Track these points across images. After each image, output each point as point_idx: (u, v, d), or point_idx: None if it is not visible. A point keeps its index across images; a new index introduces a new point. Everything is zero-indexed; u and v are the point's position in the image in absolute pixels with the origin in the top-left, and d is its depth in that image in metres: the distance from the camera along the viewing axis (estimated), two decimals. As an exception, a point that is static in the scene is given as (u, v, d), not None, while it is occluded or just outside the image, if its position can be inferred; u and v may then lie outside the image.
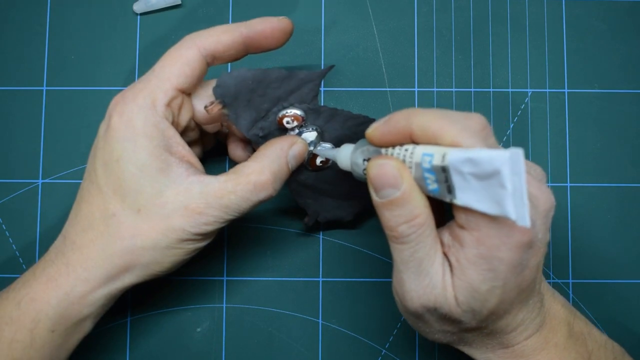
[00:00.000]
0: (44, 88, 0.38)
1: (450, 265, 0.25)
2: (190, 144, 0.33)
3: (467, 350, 0.29)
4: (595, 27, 0.39)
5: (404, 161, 0.25)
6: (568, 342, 0.28)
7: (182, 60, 0.29)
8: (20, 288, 0.28)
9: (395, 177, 0.25)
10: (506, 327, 0.27)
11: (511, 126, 0.38)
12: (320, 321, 0.37)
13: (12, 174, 0.38)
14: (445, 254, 0.26)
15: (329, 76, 0.39)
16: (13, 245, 0.37)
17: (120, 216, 0.28)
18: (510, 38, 0.39)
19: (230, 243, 0.38)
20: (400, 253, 0.26)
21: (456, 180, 0.23)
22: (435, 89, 0.39)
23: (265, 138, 0.31)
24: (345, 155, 0.29)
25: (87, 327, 0.29)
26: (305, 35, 0.39)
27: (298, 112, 0.31)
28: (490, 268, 0.24)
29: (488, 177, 0.22)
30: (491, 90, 0.39)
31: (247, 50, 0.30)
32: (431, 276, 0.25)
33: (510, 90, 0.39)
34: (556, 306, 0.29)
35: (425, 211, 0.25)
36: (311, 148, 0.32)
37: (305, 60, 0.39)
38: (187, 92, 0.30)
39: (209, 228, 0.28)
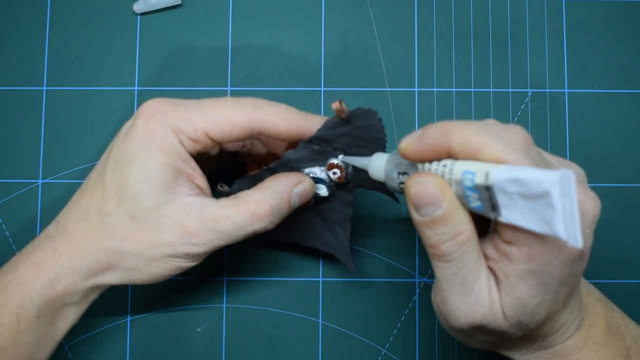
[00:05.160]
0: (44, 88, 0.38)
1: (497, 279, 0.24)
2: (206, 159, 0.33)
3: (506, 352, 0.28)
4: (595, 27, 0.39)
5: (443, 177, 0.24)
6: (607, 339, 0.28)
7: (230, 116, 0.28)
8: (7, 272, 0.29)
9: (436, 196, 0.23)
10: (549, 331, 0.26)
11: (511, 126, 0.38)
12: (320, 321, 0.37)
13: (12, 174, 0.38)
14: (490, 268, 0.25)
15: (329, 77, 0.39)
16: (13, 246, 0.37)
17: (115, 217, 0.28)
18: (510, 38, 0.39)
19: (230, 243, 0.38)
20: (443, 271, 0.24)
21: (501, 198, 0.22)
22: (435, 89, 0.39)
23: (309, 156, 0.31)
24: (378, 166, 0.28)
25: (71, 316, 0.30)
26: (305, 35, 0.39)
27: (350, 171, 0.31)
28: (541, 283, 0.23)
29: (536, 197, 0.21)
30: (491, 90, 0.39)
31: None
32: (477, 294, 0.24)
33: (510, 90, 0.39)
34: (593, 301, 0.28)
35: (468, 227, 0.24)
36: (319, 192, 0.32)
37: (306, 60, 0.39)
38: (217, 142, 0.29)
39: (198, 250, 0.28)
